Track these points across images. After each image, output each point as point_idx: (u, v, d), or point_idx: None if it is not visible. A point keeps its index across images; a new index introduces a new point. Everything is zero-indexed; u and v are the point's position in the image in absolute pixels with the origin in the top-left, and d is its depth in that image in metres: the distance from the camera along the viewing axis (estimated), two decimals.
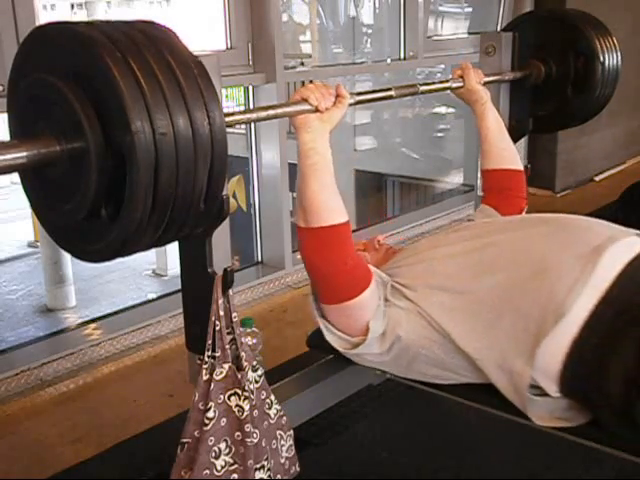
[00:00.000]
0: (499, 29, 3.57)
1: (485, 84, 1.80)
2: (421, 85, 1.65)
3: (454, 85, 1.73)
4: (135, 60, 0.90)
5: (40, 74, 0.98)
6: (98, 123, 0.92)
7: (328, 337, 1.37)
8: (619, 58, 2.04)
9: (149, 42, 0.95)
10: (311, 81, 1.36)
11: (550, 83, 2.07)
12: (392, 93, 1.49)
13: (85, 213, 0.98)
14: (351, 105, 1.36)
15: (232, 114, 1.22)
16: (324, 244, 1.28)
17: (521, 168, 1.74)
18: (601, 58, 1.99)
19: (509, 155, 1.73)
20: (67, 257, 7.96)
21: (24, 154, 0.93)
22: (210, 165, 0.97)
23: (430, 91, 1.80)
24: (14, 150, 0.93)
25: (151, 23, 1.01)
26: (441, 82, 1.79)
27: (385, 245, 1.62)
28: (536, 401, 1.25)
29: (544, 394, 1.26)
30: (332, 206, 1.28)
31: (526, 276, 1.26)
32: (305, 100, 1.29)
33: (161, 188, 0.92)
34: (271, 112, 1.26)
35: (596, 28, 2.03)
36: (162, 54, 0.94)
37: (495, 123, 1.75)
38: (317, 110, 1.29)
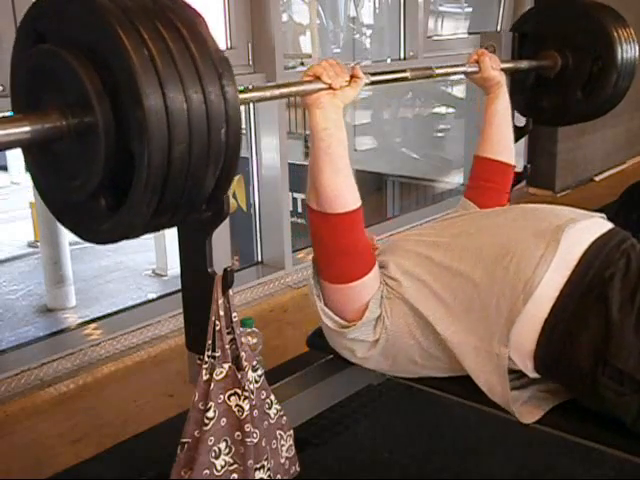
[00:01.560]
0: (499, 29, 3.57)
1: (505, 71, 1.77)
2: (436, 68, 1.61)
3: (469, 70, 1.69)
4: (147, 30, 0.84)
5: (46, 45, 0.92)
6: (107, 97, 0.86)
7: (323, 317, 1.35)
8: (634, 71, 1.97)
9: (161, 12, 0.88)
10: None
11: (561, 78, 2.00)
12: (407, 75, 1.45)
13: (91, 191, 0.92)
14: (366, 85, 1.31)
15: (245, 91, 1.18)
16: (336, 229, 1.27)
17: (513, 164, 1.72)
18: (619, 69, 1.91)
19: (506, 147, 1.72)
20: (67, 257, 7.95)
21: (28, 129, 0.87)
22: (225, 143, 0.90)
23: (445, 74, 1.76)
24: (18, 124, 0.88)
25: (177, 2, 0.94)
26: (456, 66, 1.73)
27: (375, 246, 1.62)
28: (516, 396, 1.27)
29: (521, 386, 1.29)
30: (346, 192, 1.26)
31: (493, 258, 1.28)
32: (318, 78, 1.22)
33: (173, 166, 0.85)
34: (284, 90, 1.20)
35: (622, 31, 1.94)
36: (175, 25, 0.87)
37: (504, 108, 1.72)
38: (330, 88, 1.23)
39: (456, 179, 5.30)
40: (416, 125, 7.13)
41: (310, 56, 6.43)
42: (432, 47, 3.41)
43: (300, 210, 7.32)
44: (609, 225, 1.37)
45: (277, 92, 1.18)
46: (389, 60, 3.42)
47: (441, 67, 1.66)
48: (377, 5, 6.50)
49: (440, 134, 6.88)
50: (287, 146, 2.70)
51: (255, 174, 2.79)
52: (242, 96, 1.10)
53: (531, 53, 2.03)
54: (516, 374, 1.31)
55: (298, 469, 1.35)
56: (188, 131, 0.84)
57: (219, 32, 2.53)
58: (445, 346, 1.31)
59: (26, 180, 10.55)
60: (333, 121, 1.23)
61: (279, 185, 2.74)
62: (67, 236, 8.11)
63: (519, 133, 2.21)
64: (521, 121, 2.23)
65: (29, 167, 1.06)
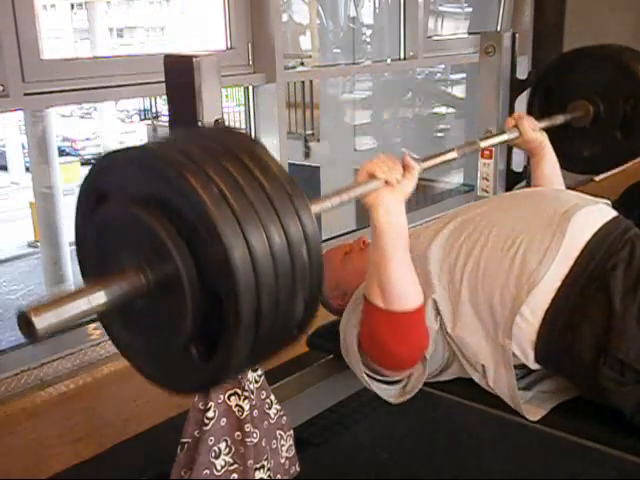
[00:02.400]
0: (499, 29, 3.57)
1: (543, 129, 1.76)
2: (481, 141, 1.63)
3: (511, 136, 1.69)
4: (213, 170, 0.78)
5: (114, 202, 0.87)
6: (184, 244, 0.79)
7: (379, 391, 1.35)
8: None
9: (223, 148, 0.83)
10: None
11: (597, 125, 1.98)
12: (455, 154, 1.46)
13: (182, 343, 0.85)
14: (420, 172, 1.29)
15: (316, 201, 1.12)
16: (404, 328, 1.24)
17: None
18: None
19: None
20: (67, 257, 7.96)
21: (103, 294, 0.79)
22: (308, 293, 0.84)
23: (490, 146, 1.77)
24: (92, 292, 0.79)
25: (223, 128, 0.92)
26: (498, 134, 1.73)
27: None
28: (520, 396, 1.28)
29: (524, 387, 1.30)
30: (413, 286, 1.24)
31: (499, 249, 1.28)
32: (373, 176, 1.21)
33: (263, 302, 0.79)
34: (345, 196, 1.16)
35: None
36: (242, 161, 0.82)
37: (550, 170, 1.70)
38: (387, 184, 1.21)
39: (456, 179, 5.29)
40: (416, 125, 7.13)
41: (310, 56, 6.44)
42: (432, 47, 3.40)
43: None
44: (613, 213, 1.37)
45: (338, 200, 1.13)
46: (389, 60, 3.42)
47: (483, 139, 1.67)
48: (377, 5, 6.50)
49: (440, 134, 6.88)
50: (287, 146, 2.70)
51: None
52: (314, 207, 1.04)
53: (559, 106, 2.01)
54: (519, 372, 1.31)
55: (298, 469, 1.35)
56: (272, 265, 0.79)
57: (219, 32, 2.53)
58: (454, 346, 1.32)
59: (26, 180, 10.56)
60: (396, 216, 1.22)
61: None
62: (67, 236, 8.12)
63: None
64: None
65: (109, 331, 0.97)
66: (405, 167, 1.25)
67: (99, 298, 0.78)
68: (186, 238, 0.79)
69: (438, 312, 1.31)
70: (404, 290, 1.22)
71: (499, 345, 1.26)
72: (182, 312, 0.81)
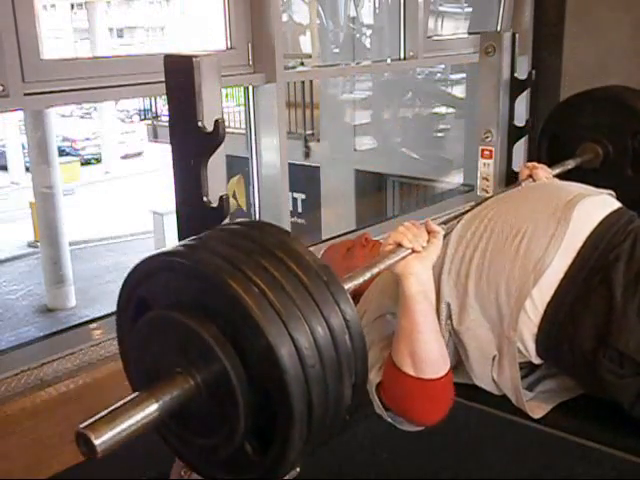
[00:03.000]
0: (499, 29, 3.57)
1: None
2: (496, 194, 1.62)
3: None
4: (256, 274, 0.80)
5: (156, 309, 0.88)
6: (229, 343, 0.80)
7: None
8: None
9: (262, 248, 0.85)
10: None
11: (608, 164, 2.02)
12: (468, 207, 1.46)
13: (238, 442, 0.85)
14: (444, 236, 1.29)
15: (349, 279, 1.12)
16: (436, 395, 1.25)
17: None
18: None
19: None
20: (67, 257, 7.96)
21: (156, 406, 0.80)
22: (355, 376, 0.85)
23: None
24: (145, 404, 0.81)
25: (257, 225, 0.93)
26: (513, 186, 1.71)
27: (372, 241, 1.62)
28: (523, 394, 1.28)
29: (526, 387, 1.30)
30: (442, 353, 1.24)
31: (503, 240, 1.28)
32: (399, 245, 1.21)
33: (314, 404, 0.80)
34: (375, 270, 1.15)
35: None
36: (279, 258, 0.84)
37: None
38: (414, 251, 1.21)
39: (456, 179, 5.30)
40: (416, 125, 7.13)
41: (310, 56, 6.44)
42: (432, 47, 3.40)
43: (300, 210, 7.33)
44: (617, 203, 1.37)
45: (369, 274, 1.13)
46: (389, 60, 3.42)
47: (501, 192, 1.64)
48: (377, 5, 6.51)
49: (440, 134, 6.89)
50: (287, 146, 2.70)
51: (255, 174, 2.79)
52: (347, 285, 1.06)
53: (567, 151, 2.04)
54: (522, 371, 1.31)
55: (298, 469, 1.35)
56: (319, 357, 0.80)
57: (219, 32, 2.53)
58: (466, 343, 1.31)
59: (26, 180, 10.56)
60: (426, 284, 1.22)
61: (279, 185, 2.73)
62: (67, 236, 8.12)
63: (519, 133, 2.22)
64: (521, 120, 2.24)
65: (164, 437, 0.96)
66: (430, 232, 1.25)
67: (152, 408, 0.80)
68: (231, 339, 0.80)
69: (450, 314, 1.31)
70: (435, 358, 1.22)
71: (505, 337, 1.26)
72: (234, 411, 0.82)
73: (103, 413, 0.77)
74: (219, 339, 0.80)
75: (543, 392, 1.32)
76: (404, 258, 1.20)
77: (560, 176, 1.78)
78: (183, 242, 0.88)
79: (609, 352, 1.17)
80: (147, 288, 0.89)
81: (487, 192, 2.21)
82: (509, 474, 1.73)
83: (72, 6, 15.13)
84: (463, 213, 1.43)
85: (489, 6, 3.80)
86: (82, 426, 0.73)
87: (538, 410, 1.29)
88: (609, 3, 3.94)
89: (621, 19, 4.07)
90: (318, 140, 7.20)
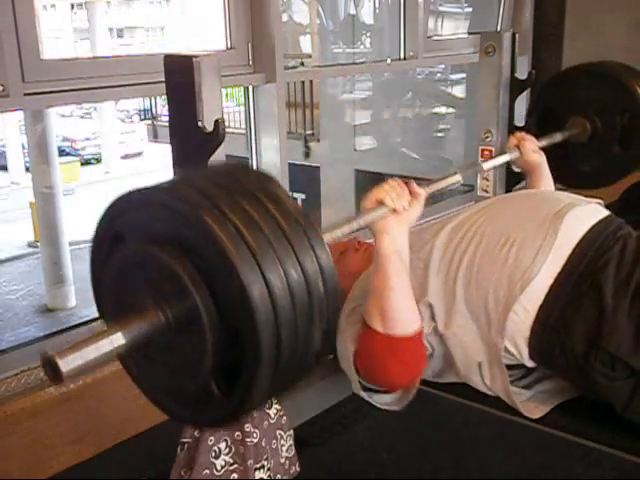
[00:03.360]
0: (499, 29, 3.57)
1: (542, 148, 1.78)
2: (483, 162, 1.67)
3: (512, 157, 1.72)
4: (232, 210, 0.80)
5: (131, 242, 0.88)
6: (202, 281, 0.80)
7: (378, 403, 1.35)
8: None
9: (242, 189, 0.84)
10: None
11: (596, 140, 2.02)
12: (459, 178, 1.48)
13: (203, 380, 0.85)
14: (426, 198, 1.31)
15: (328, 231, 1.14)
16: (404, 353, 1.25)
17: None
18: None
19: None
20: (67, 257, 7.96)
21: (124, 338, 0.80)
22: (326, 322, 0.85)
23: (492, 167, 1.79)
24: (111, 335, 0.80)
25: (238, 166, 0.92)
26: (499, 155, 1.75)
27: (364, 244, 1.62)
28: (519, 394, 1.29)
29: (524, 386, 1.31)
30: (412, 312, 1.25)
31: (492, 246, 1.29)
32: (381, 203, 1.22)
33: (283, 346, 0.80)
34: (354, 224, 1.17)
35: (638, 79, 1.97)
36: (258, 198, 0.84)
37: (548, 189, 1.73)
38: (394, 211, 1.23)
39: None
40: (416, 125, 7.14)
41: (310, 56, 6.44)
42: (432, 47, 3.40)
43: None
44: (606, 212, 1.38)
45: (348, 229, 1.15)
46: (389, 60, 3.42)
47: (486, 161, 1.70)
48: (377, 5, 6.51)
49: (440, 134, 6.89)
50: (287, 146, 2.70)
51: None
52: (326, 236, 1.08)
53: (557, 123, 2.04)
54: (518, 374, 1.32)
55: (298, 469, 1.35)
56: (290, 299, 0.80)
57: (219, 32, 2.53)
58: (451, 348, 1.32)
59: (26, 180, 10.56)
60: (401, 244, 1.24)
61: None
62: (67, 236, 8.12)
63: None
64: (520, 120, 2.23)
65: (129, 369, 0.97)
66: (412, 194, 1.26)
67: (120, 339, 0.79)
68: (204, 275, 0.80)
69: (433, 315, 1.32)
70: (404, 316, 1.23)
71: (492, 344, 1.26)
72: (202, 348, 0.81)
73: (73, 343, 0.77)
74: (192, 275, 0.80)
75: (542, 392, 1.33)
76: (384, 217, 1.22)
77: (547, 149, 1.79)
78: (165, 179, 0.88)
79: (600, 355, 1.17)
80: (124, 222, 0.88)
81: (487, 192, 2.21)
82: (509, 474, 1.73)
83: (72, 6, 15.14)
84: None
85: (489, 6, 3.80)
86: (50, 352, 0.74)
87: (537, 410, 1.29)
88: (609, 3, 3.94)
89: (621, 19, 4.07)
90: (318, 140, 7.20)
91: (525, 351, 1.27)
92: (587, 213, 1.34)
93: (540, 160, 1.74)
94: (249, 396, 0.83)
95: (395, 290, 1.22)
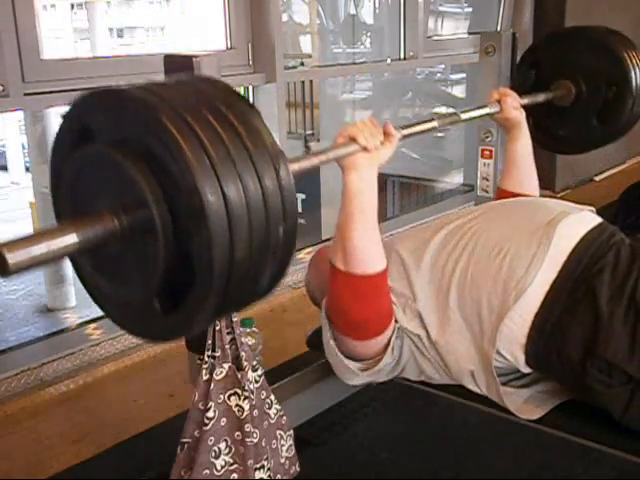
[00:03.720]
0: (499, 29, 3.57)
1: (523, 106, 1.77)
2: (461, 113, 1.65)
3: (492, 110, 1.71)
4: (195, 121, 0.80)
5: (92, 145, 0.87)
6: (161, 192, 0.80)
7: (339, 365, 1.36)
8: None
9: (207, 100, 0.84)
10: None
11: (576, 106, 2.01)
12: (435, 124, 1.49)
13: (147, 294, 0.86)
14: (400, 140, 1.31)
15: (295, 160, 1.14)
16: (364, 292, 1.26)
17: (536, 194, 1.72)
18: (634, 94, 1.91)
19: (529, 182, 1.72)
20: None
21: (75, 236, 0.79)
22: (283, 238, 0.85)
23: (470, 119, 1.77)
24: (65, 233, 0.79)
25: (207, 79, 0.93)
26: (479, 107, 1.74)
27: None
28: (510, 392, 1.29)
29: (521, 385, 1.31)
30: (375, 252, 1.26)
31: (485, 256, 1.29)
32: (353, 140, 1.22)
33: (235, 262, 0.80)
34: (323, 157, 1.18)
35: (634, 55, 1.94)
36: (221, 111, 0.83)
37: (525, 147, 1.73)
38: (365, 149, 1.23)
39: (456, 179, 5.30)
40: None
41: (310, 56, 6.43)
42: (432, 47, 3.40)
43: (300, 210, 7.33)
44: (598, 219, 1.38)
45: (316, 160, 1.16)
46: (389, 60, 3.42)
47: (465, 112, 1.69)
48: (377, 5, 6.50)
49: (440, 134, 6.88)
50: (287, 146, 2.69)
51: None
52: (292, 167, 1.04)
53: (543, 84, 2.03)
54: (516, 374, 1.32)
55: (298, 469, 1.35)
56: (247, 216, 0.79)
57: (219, 32, 2.53)
58: (443, 355, 1.32)
59: (26, 180, 10.56)
60: (368, 182, 1.24)
61: None
62: None
63: None
64: None
65: (78, 271, 0.97)
66: (386, 134, 1.27)
67: (72, 239, 0.79)
68: (163, 185, 0.80)
69: (422, 321, 1.32)
70: (366, 256, 1.23)
71: (484, 352, 1.27)
72: (153, 261, 0.82)
73: (22, 236, 0.76)
74: (152, 185, 0.80)
75: (541, 392, 1.33)
76: (354, 154, 1.22)
77: (527, 108, 1.78)
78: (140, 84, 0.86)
79: (597, 362, 1.17)
80: (90, 120, 0.87)
81: (487, 192, 2.21)
82: (509, 474, 1.73)
83: (72, 6, 15.11)
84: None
85: (489, 6, 3.80)
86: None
87: (537, 411, 1.29)
88: (609, 3, 3.95)
89: (621, 19, 4.07)
90: (318, 140, 7.18)
91: (522, 358, 1.27)
92: (580, 221, 1.34)
93: (520, 118, 1.71)
94: (191, 317, 0.83)
95: (357, 228, 1.22)
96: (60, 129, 0.92)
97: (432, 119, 1.50)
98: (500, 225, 1.36)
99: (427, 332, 1.32)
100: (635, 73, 1.91)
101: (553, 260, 1.25)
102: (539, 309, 1.24)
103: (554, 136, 2.09)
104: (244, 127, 0.83)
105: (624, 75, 1.91)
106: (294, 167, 1.07)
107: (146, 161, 0.80)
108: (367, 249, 1.24)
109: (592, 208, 1.44)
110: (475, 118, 1.76)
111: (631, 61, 1.91)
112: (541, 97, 1.96)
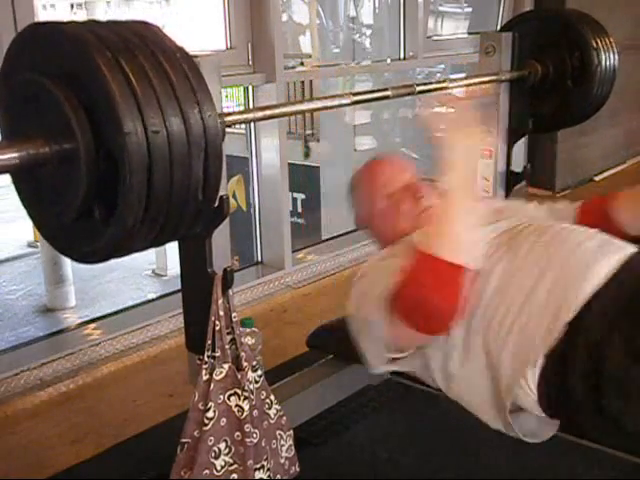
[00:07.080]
0: (499, 29, 3.57)
1: (483, 83, 1.80)
2: (418, 85, 1.64)
3: (451, 85, 1.71)
4: (126, 59, 0.89)
5: (30, 74, 0.96)
6: (88, 124, 0.91)
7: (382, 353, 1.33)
8: (614, 48, 2.08)
9: (140, 41, 0.93)
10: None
11: (549, 81, 2.11)
12: (389, 93, 1.49)
13: (75, 215, 0.97)
14: (349, 105, 1.34)
15: (230, 114, 1.21)
16: (447, 277, 1.19)
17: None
18: (595, 48, 2.04)
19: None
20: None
21: (15, 155, 0.92)
22: (205, 164, 0.96)
23: (427, 91, 1.76)
24: (5, 151, 0.92)
25: (142, 23, 1.00)
26: (438, 82, 1.76)
27: (423, 205, 1.52)
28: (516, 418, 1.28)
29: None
30: (471, 247, 1.23)
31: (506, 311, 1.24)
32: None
33: (154, 189, 0.91)
34: (267, 112, 1.22)
35: (588, 24, 2.08)
36: (153, 53, 0.93)
37: None
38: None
39: None
40: (416, 125, 7.12)
41: (310, 56, 6.43)
42: (432, 47, 3.40)
43: (300, 210, 7.32)
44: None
45: (260, 114, 1.18)
46: (389, 60, 3.42)
47: (423, 84, 1.71)
48: (377, 5, 6.51)
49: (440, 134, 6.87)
50: (287, 146, 2.70)
51: (255, 174, 2.79)
52: (227, 119, 1.15)
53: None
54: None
55: (298, 469, 1.35)
56: (168, 154, 0.90)
57: (219, 32, 2.53)
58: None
59: None
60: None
61: (279, 185, 2.74)
62: None
63: (519, 133, 2.22)
64: (520, 121, 2.23)
65: (18, 192, 1.10)
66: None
67: (12, 157, 0.92)
68: (91, 119, 0.91)
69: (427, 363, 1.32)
70: (461, 245, 1.20)
71: (501, 398, 1.26)
72: (75, 187, 0.93)
73: None
74: (81, 120, 0.90)
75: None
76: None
77: (493, 87, 1.90)
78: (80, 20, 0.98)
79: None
80: (31, 52, 0.97)
81: (487, 192, 2.20)
82: (509, 474, 1.73)
83: (72, 6, 15.12)
84: None
85: (489, 6, 3.80)
86: None
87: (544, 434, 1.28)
88: (609, 3, 3.94)
89: (621, 19, 4.07)
90: (318, 140, 7.18)
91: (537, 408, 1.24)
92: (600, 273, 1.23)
93: None
94: (124, 221, 0.92)
95: (459, 220, 1.23)
96: (6, 56, 1.02)
97: (387, 89, 1.53)
98: (530, 272, 1.27)
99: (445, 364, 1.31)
100: (590, 33, 2.05)
101: (562, 318, 1.19)
102: (542, 371, 1.19)
103: (541, 115, 2.17)
104: (173, 70, 0.93)
105: (580, 36, 2.04)
106: (231, 119, 1.17)
107: (76, 92, 0.91)
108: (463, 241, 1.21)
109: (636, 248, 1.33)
110: (430, 91, 1.76)
111: (585, 25, 2.07)
112: (505, 75, 2.06)
